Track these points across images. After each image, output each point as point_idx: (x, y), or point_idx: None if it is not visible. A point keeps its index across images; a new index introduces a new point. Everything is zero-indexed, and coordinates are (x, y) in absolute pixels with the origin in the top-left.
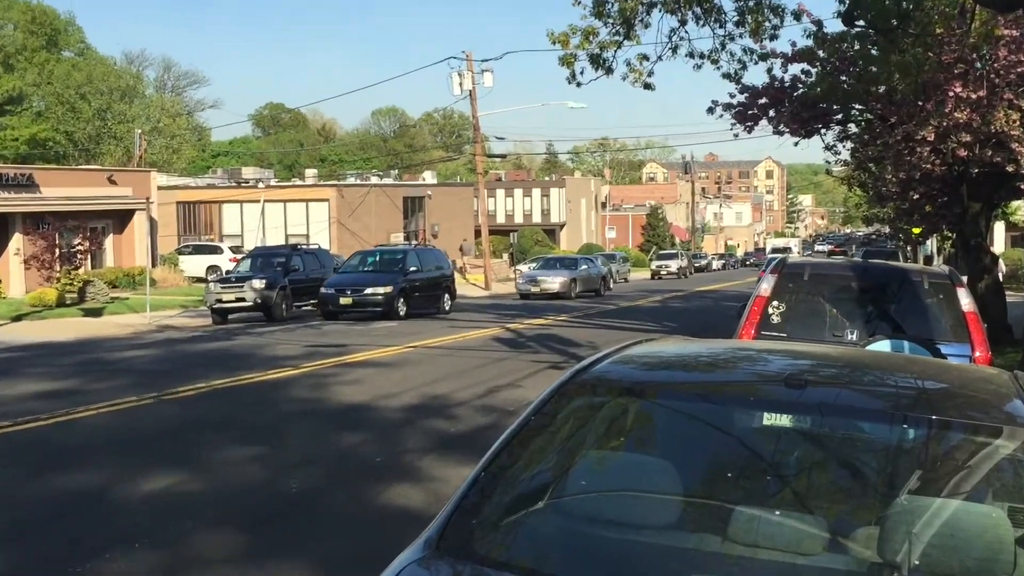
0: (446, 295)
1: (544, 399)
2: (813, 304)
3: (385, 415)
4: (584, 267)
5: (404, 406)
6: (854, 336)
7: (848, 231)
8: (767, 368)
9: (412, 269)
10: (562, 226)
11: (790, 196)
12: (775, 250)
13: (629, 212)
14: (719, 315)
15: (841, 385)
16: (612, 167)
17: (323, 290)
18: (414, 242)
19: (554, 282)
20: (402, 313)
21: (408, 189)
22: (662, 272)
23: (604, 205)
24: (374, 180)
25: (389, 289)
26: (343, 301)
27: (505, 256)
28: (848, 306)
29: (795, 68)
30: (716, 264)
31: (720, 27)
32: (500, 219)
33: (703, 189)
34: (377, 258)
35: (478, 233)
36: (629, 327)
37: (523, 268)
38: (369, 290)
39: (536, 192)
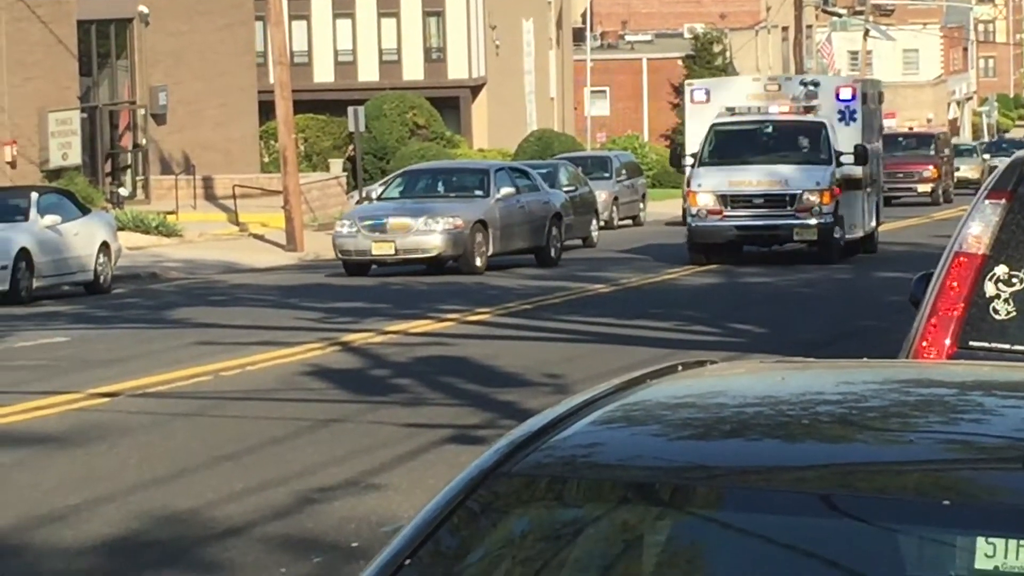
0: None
1: (433, 517)
2: None
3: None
4: (507, 190)
5: (99, 540)
6: None
7: None
8: (980, 428)
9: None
10: (477, 88)
11: None
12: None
13: (643, 53)
14: (866, 304)
15: None
16: None
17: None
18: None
19: (430, 231)
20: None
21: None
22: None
23: (581, 36)
24: None
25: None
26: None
27: (336, 167)
28: None
29: None
30: None
31: None
32: (323, 73)
33: None
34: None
35: (266, 109)
36: (640, 336)
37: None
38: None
39: (410, 5)
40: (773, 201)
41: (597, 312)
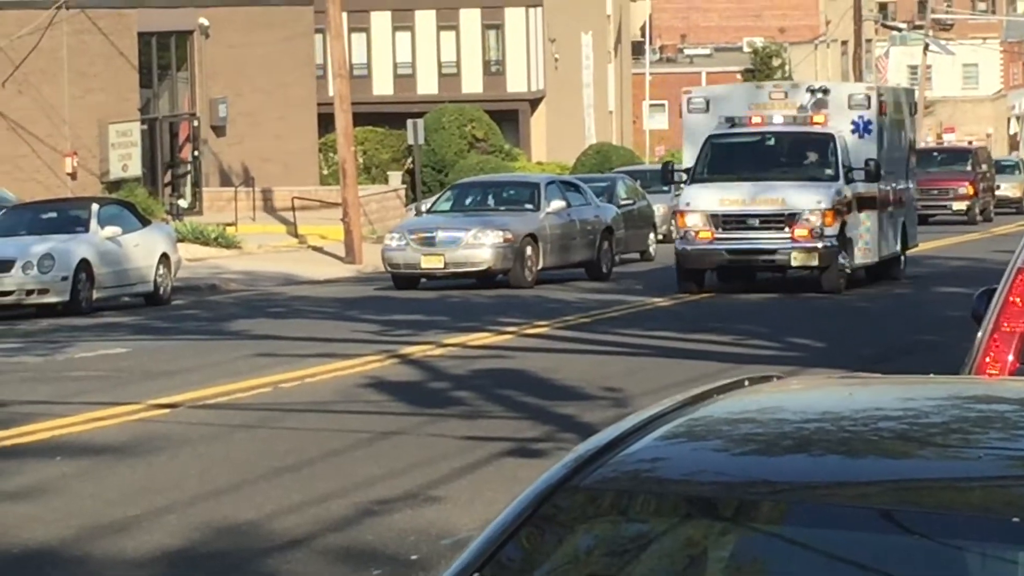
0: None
1: (501, 531)
2: None
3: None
4: (557, 204)
5: (160, 551)
6: None
7: None
8: None
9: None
10: (536, 102)
11: None
12: None
13: (701, 67)
14: (926, 319)
15: None
16: None
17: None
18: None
19: (479, 244)
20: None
21: (153, 16)
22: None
23: (640, 49)
24: None
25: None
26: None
27: (395, 179)
28: None
29: None
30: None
31: None
32: (382, 86)
33: (882, 9)
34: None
35: (325, 121)
36: (699, 350)
37: (421, 208)
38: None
39: (469, 19)
40: (769, 222)
41: (655, 325)
